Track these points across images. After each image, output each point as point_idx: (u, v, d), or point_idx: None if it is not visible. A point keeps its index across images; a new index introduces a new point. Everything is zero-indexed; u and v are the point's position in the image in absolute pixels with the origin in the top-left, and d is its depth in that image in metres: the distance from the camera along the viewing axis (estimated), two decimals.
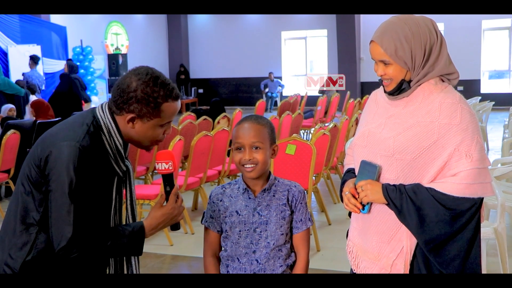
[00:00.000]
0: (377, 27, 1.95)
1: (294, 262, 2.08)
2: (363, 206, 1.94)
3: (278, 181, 2.09)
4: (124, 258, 2.02)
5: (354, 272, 2.05)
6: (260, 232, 2.02)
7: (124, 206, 2.05)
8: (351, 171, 2.09)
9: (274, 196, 2.05)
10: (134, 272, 2.02)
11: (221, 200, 2.08)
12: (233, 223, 2.04)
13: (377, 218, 1.94)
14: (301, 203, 2.07)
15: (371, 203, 1.94)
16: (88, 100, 10.89)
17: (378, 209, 1.93)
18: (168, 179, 1.96)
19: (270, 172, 2.09)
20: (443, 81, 1.93)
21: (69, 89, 10.13)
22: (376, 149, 1.93)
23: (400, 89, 1.91)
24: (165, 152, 1.96)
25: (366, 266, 2.00)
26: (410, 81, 1.90)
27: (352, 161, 2.10)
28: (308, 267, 2.10)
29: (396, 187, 1.87)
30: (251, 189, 2.05)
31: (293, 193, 2.06)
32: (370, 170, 1.92)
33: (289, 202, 2.05)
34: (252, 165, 1.99)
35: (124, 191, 2.02)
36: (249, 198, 2.04)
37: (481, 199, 1.85)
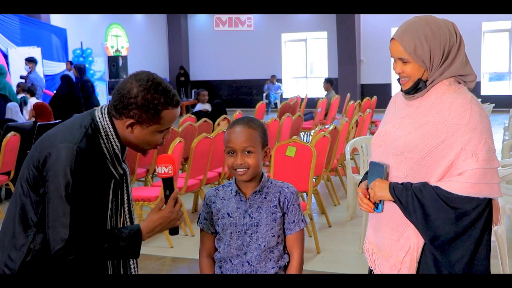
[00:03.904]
0: (399, 26, 1.97)
1: (288, 264, 2.08)
2: (377, 205, 1.98)
3: (271, 183, 2.08)
4: (121, 260, 2.02)
5: (371, 269, 2.08)
6: (251, 234, 2.02)
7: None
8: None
9: (265, 198, 2.05)
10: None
11: (213, 202, 2.09)
12: (224, 225, 2.05)
13: (388, 216, 1.97)
14: (293, 205, 2.06)
15: (384, 202, 1.97)
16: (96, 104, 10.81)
17: (388, 207, 1.96)
18: (168, 183, 1.96)
19: (262, 174, 2.09)
20: (459, 83, 1.95)
21: (69, 91, 10.12)
22: (388, 148, 1.97)
23: (416, 88, 1.94)
24: (165, 156, 1.96)
25: (380, 263, 2.03)
26: (426, 80, 1.93)
27: None
28: (302, 268, 2.09)
29: (403, 185, 1.89)
30: (242, 191, 2.05)
31: (285, 195, 2.05)
32: (378, 169, 1.97)
33: (281, 204, 2.05)
34: (244, 169, 2.00)
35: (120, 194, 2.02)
36: (241, 200, 2.05)
37: (488, 200, 1.85)
